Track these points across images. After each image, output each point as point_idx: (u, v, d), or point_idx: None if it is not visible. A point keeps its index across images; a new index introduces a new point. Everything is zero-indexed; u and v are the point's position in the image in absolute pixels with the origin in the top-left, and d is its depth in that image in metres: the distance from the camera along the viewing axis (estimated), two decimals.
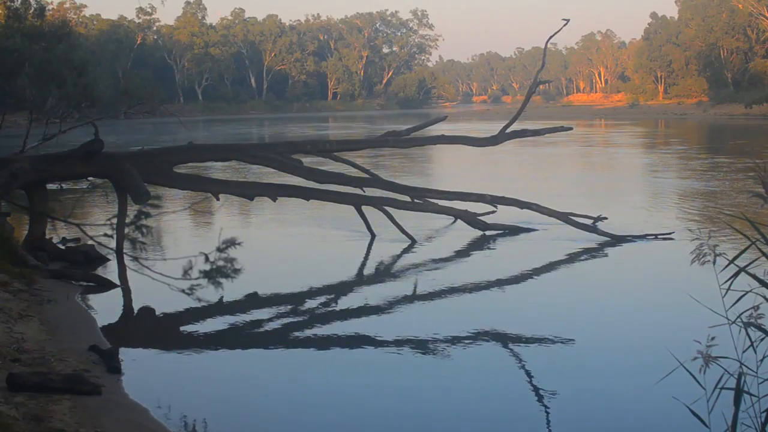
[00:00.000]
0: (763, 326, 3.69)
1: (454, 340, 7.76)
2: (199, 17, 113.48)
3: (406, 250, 12.47)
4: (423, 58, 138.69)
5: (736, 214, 13.96)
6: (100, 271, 10.85)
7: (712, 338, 3.63)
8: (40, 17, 64.50)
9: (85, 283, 10.08)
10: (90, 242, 11.58)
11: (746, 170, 22.17)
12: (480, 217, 13.47)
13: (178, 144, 15.19)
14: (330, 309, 9.51)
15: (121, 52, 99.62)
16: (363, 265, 12.06)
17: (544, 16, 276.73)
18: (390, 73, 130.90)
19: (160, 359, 7.61)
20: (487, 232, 13.36)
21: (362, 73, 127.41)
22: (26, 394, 5.64)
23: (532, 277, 10.81)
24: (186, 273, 7.97)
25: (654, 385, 4.84)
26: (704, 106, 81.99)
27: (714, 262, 3.78)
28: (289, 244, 13.45)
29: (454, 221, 14.16)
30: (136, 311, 9.33)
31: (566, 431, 5.73)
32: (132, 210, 10.81)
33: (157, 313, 9.07)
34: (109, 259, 11.41)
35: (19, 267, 9.90)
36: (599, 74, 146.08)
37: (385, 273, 11.43)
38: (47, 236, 12.07)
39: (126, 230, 10.57)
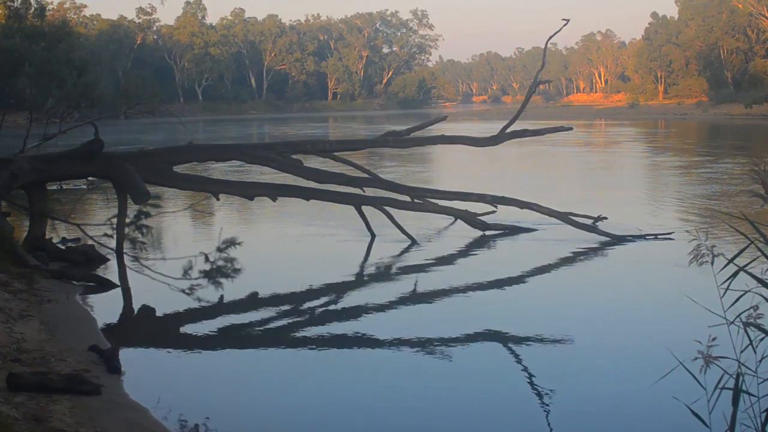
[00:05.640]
0: (762, 326, 3.69)
1: (454, 340, 7.76)
2: (199, 17, 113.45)
3: (406, 250, 12.47)
4: (423, 58, 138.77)
5: (736, 213, 13.96)
6: (100, 271, 10.85)
7: (713, 338, 3.63)
8: (40, 17, 64.56)
9: (85, 283, 10.08)
10: (90, 242, 11.58)
11: (746, 170, 22.16)
12: (480, 217, 13.47)
13: (178, 144, 15.19)
14: (330, 309, 9.52)
15: (121, 52, 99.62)
16: (363, 265, 12.06)
17: (544, 16, 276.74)
18: (390, 73, 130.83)
19: (160, 359, 7.61)
20: (487, 232, 13.36)
21: (362, 73, 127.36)
22: (26, 394, 5.64)
23: (532, 277, 10.81)
24: (186, 273, 7.95)
25: (654, 384, 4.84)
26: (704, 106, 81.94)
27: (712, 263, 3.78)
28: (289, 244, 13.45)
29: (454, 221, 14.15)
30: (136, 311, 9.33)
31: (566, 431, 5.73)
32: (132, 210, 10.81)
33: (157, 313, 9.08)
34: (109, 259, 11.40)
35: (19, 267, 9.90)
36: (599, 74, 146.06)
37: (385, 273, 11.43)
38: (47, 236, 12.06)
39: (126, 230, 10.55)
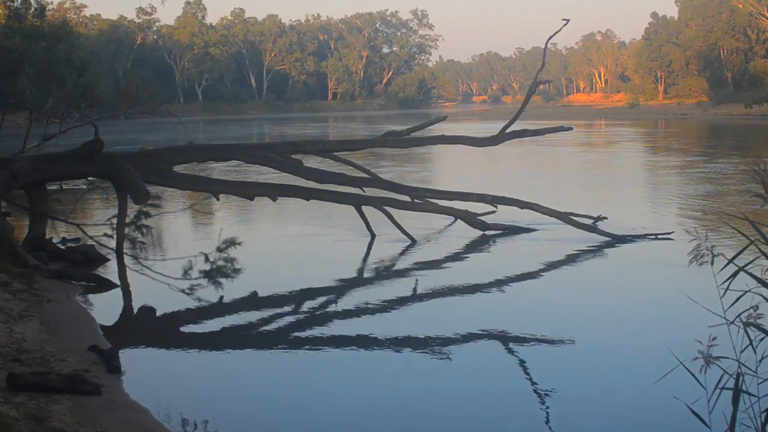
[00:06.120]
0: (762, 326, 3.69)
1: (454, 340, 7.76)
2: (199, 17, 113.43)
3: (406, 250, 12.47)
4: (423, 58, 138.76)
5: (736, 213, 13.96)
6: (100, 271, 10.85)
7: (713, 338, 3.63)
8: (40, 17, 64.62)
9: (85, 283, 10.08)
10: (90, 242, 11.58)
11: (746, 170, 22.16)
12: (480, 217, 13.47)
13: (178, 144, 15.19)
14: (330, 309, 9.51)
15: (121, 52, 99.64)
16: (363, 265, 12.05)
17: (544, 16, 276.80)
18: (390, 73, 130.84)
19: (160, 359, 7.61)
20: (487, 232, 13.36)
21: (362, 73, 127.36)
22: (26, 394, 5.64)
23: (532, 277, 10.81)
24: (186, 273, 7.95)
25: (654, 384, 4.84)
26: (704, 106, 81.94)
27: (712, 263, 3.78)
28: (289, 244, 13.45)
29: (454, 221, 14.15)
30: (136, 311, 9.33)
31: (566, 431, 5.73)
32: (132, 210, 10.81)
33: (157, 313, 9.08)
34: (109, 259, 11.40)
35: (19, 267, 9.89)
36: (599, 74, 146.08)
37: (385, 273, 11.43)
38: (47, 236, 12.06)
39: (126, 230, 10.55)
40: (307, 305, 9.66)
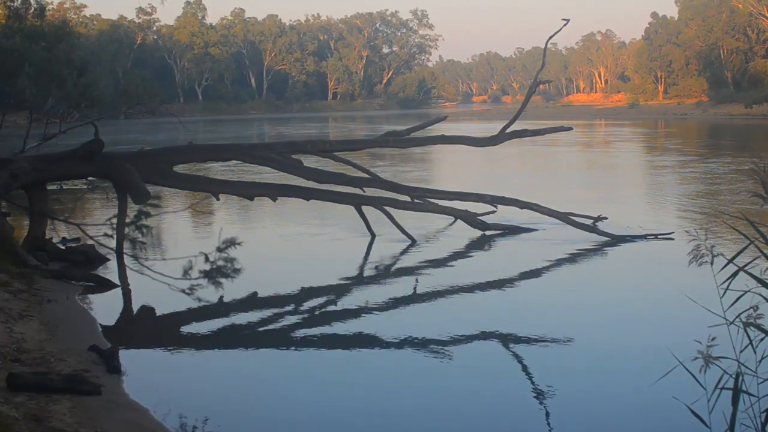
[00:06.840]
0: (762, 326, 3.69)
1: (454, 340, 7.76)
2: (199, 17, 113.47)
3: (406, 250, 12.46)
4: (423, 58, 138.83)
5: (736, 213, 13.96)
6: (100, 271, 10.84)
7: (713, 338, 3.63)
8: (40, 17, 64.61)
9: (85, 283, 10.08)
10: (90, 242, 11.58)
11: (746, 170, 22.15)
12: (480, 217, 13.47)
13: (178, 144, 15.20)
14: (330, 309, 9.51)
15: (121, 52, 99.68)
16: (363, 265, 12.05)
17: (544, 16, 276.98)
18: (390, 73, 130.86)
19: (160, 359, 7.61)
20: (487, 232, 13.36)
21: (362, 73, 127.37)
22: (26, 394, 5.64)
23: (532, 277, 10.81)
24: (186, 273, 7.97)
25: (654, 384, 4.84)
26: (704, 106, 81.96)
27: (711, 263, 3.78)
28: (289, 244, 13.45)
29: (454, 221, 14.15)
30: (136, 311, 9.33)
31: (566, 431, 5.73)
32: (132, 210, 10.81)
33: (157, 313, 9.08)
34: (109, 259, 11.40)
35: (19, 267, 9.90)
36: (599, 74, 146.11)
37: (385, 273, 11.43)
38: (47, 236, 12.06)
39: (126, 230, 10.58)
40: (307, 305, 9.66)
